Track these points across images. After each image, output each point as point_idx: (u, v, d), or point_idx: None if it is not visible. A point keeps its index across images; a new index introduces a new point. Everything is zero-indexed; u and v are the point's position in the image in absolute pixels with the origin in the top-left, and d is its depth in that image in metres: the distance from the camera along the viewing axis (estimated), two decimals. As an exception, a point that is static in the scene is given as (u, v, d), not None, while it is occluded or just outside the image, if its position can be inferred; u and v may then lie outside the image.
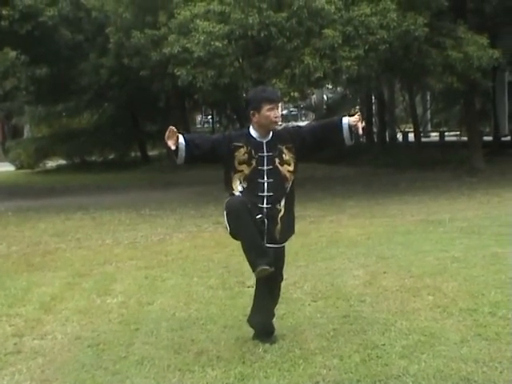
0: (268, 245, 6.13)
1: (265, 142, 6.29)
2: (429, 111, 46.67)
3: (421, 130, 38.47)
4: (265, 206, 6.19)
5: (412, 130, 37.50)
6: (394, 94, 43.12)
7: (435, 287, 8.10)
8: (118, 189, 25.53)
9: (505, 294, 7.59)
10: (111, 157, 41.85)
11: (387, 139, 39.86)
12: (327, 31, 17.37)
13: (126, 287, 9.11)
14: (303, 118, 57.27)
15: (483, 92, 30.94)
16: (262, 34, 17.46)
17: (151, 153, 42.22)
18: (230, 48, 17.88)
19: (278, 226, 6.28)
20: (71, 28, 23.58)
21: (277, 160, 6.27)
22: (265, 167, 6.23)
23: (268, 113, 6.16)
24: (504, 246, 10.38)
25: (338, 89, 40.30)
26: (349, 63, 17.52)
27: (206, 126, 62.38)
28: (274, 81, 17.74)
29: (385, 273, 9.05)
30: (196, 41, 17.83)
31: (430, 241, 11.32)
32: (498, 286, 7.97)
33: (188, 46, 17.93)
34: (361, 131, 6.29)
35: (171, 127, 6.03)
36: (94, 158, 41.67)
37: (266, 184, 6.21)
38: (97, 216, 17.17)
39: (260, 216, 6.11)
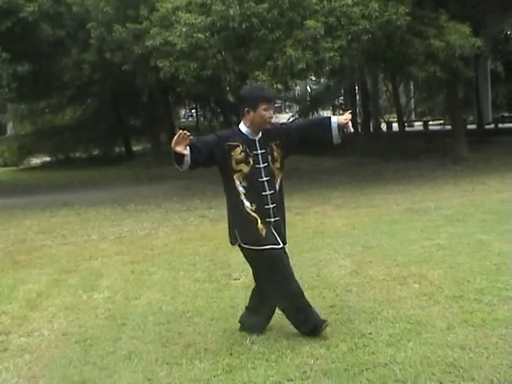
0: (284, 246, 6.22)
1: (257, 139, 6.26)
2: (412, 100, 46.72)
3: (405, 119, 38.56)
4: (271, 205, 6.20)
5: (396, 119, 37.55)
6: (377, 84, 43.12)
7: (421, 275, 8.13)
8: (102, 184, 25.48)
9: (490, 280, 7.62)
10: (95, 153, 41.68)
11: (371, 129, 39.89)
12: (309, 22, 17.34)
13: (112, 282, 9.10)
14: (287, 110, 57.18)
15: (466, 80, 30.95)
16: (244, 26, 17.41)
17: (135, 148, 42.14)
18: (212, 40, 17.84)
19: (283, 225, 6.37)
20: (52, 23, 23.37)
21: (269, 157, 6.27)
22: (261, 165, 6.22)
23: (264, 112, 6.14)
24: (488, 233, 10.43)
25: (322, 80, 40.33)
26: (331, 54, 17.49)
27: (189, 119, 62.25)
28: (256, 73, 17.70)
29: (371, 262, 9.08)
30: (178, 33, 17.78)
31: (415, 229, 11.35)
32: (483, 272, 8.01)
33: (170, 38, 17.88)
34: (351, 129, 6.32)
35: (182, 132, 5.85)
36: (78, 155, 41.49)
37: (265, 183, 6.20)
38: (82, 212, 17.13)
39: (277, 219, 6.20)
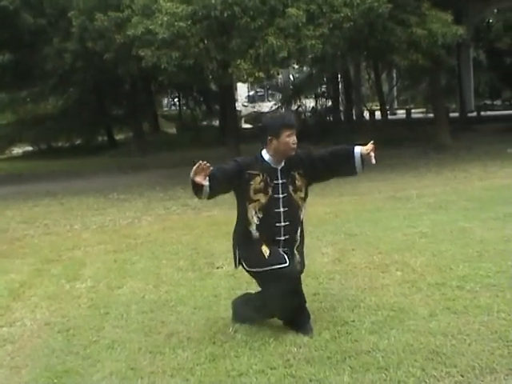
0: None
1: (279, 168, 6.16)
2: (395, 89, 46.86)
3: (387, 107, 38.64)
4: (282, 237, 6.11)
5: (379, 107, 37.62)
6: (359, 72, 43.19)
7: (403, 263, 8.16)
8: (85, 174, 25.37)
9: (472, 267, 7.66)
10: (78, 142, 41.46)
11: (354, 117, 39.93)
12: (291, 10, 17.32)
13: (95, 271, 9.07)
14: (270, 99, 57.16)
15: (448, 68, 31.14)
16: (226, 14, 17.34)
17: (118, 137, 42.00)
18: (193, 29, 17.77)
19: (297, 257, 6.28)
20: (33, 12, 23.18)
21: (290, 187, 6.16)
22: (280, 195, 6.12)
23: (287, 139, 6.03)
24: (471, 220, 10.48)
25: (304, 68, 40.29)
26: (313, 42, 17.48)
27: (172, 108, 62.17)
28: (238, 61, 17.67)
29: (353, 250, 9.11)
30: (159, 22, 17.71)
31: (397, 217, 11.39)
32: (465, 260, 8.05)
33: (152, 27, 17.81)
34: (373, 161, 6.15)
35: (201, 163, 5.71)
36: (60, 144, 41.28)
37: (282, 214, 6.10)
38: (65, 202, 17.07)
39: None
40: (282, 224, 6.08)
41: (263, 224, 6.07)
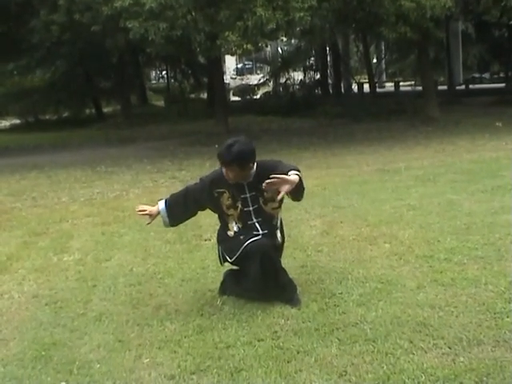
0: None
1: (245, 183, 6.08)
2: (383, 61, 46.80)
3: (376, 80, 38.58)
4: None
5: (367, 80, 37.58)
6: (348, 44, 43.13)
7: (391, 235, 8.16)
8: (73, 146, 25.31)
9: (460, 240, 7.67)
10: (65, 115, 41.34)
11: (342, 90, 39.90)
12: (279, -18, 17.25)
13: (82, 244, 9.06)
14: (258, 72, 57.02)
15: (437, 41, 31.07)
16: (214, -15, 17.30)
17: (106, 109, 41.87)
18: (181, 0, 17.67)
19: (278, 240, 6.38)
20: (20, -16, 23.10)
21: (260, 199, 6.11)
22: (250, 208, 6.10)
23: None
24: (459, 192, 10.49)
25: (293, 41, 40.19)
26: (302, 14, 17.41)
27: (160, 81, 61.98)
28: (226, 33, 17.60)
29: (341, 222, 9.11)
30: (147, -8, 17.62)
31: (385, 190, 11.39)
32: (453, 232, 8.06)
33: (139, -2, 17.71)
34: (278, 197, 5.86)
35: (139, 209, 6.18)
36: (48, 117, 41.16)
37: (256, 224, 6.12)
38: (52, 174, 17.01)
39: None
40: (261, 232, 6.09)
41: (243, 232, 6.12)
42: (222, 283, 6.52)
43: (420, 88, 29.88)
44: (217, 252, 6.51)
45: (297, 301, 5.97)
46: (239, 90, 44.23)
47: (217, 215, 6.42)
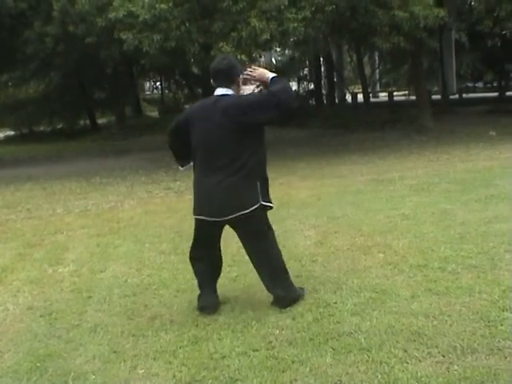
0: None
1: None
2: (377, 71, 46.92)
3: (370, 90, 38.69)
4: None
5: (361, 90, 37.67)
6: (342, 55, 43.20)
7: (386, 245, 8.18)
8: (67, 158, 25.33)
9: (454, 249, 7.69)
10: (60, 126, 41.37)
11: (336, 100, 39.96)
12: (273, -8, 17.28)
13: (77, 255, 9.06)
14: (252, 82, 56.98)
15: (430, 51, 31.15)
16: (207, -4, 17.34)
17: (100, 120, 41.86)
18: (175, 11, 17.71)
19: None
20: (14, -4, 23.07)
21: None
22: None
23: None
24: (453, 202, 10.52)
25: (287, 51, 40.24)
26: (296, 25, 17.44)
27: (154, 92, 62.00)
28: (220, 44, 17.62)
29: (336, 232, 9.12)
30: (141, 4, 17.66)
31: (380, 199, 11.41)
32: (447, 241, 8.08)
33: (133, 9, 17.73)
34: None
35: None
36: (42, 128, 41.20)
37: None
38: (47, 186, 17.01)
39: None
40: None
41: None
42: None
43: (414, 98, 29.96)
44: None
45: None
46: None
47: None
